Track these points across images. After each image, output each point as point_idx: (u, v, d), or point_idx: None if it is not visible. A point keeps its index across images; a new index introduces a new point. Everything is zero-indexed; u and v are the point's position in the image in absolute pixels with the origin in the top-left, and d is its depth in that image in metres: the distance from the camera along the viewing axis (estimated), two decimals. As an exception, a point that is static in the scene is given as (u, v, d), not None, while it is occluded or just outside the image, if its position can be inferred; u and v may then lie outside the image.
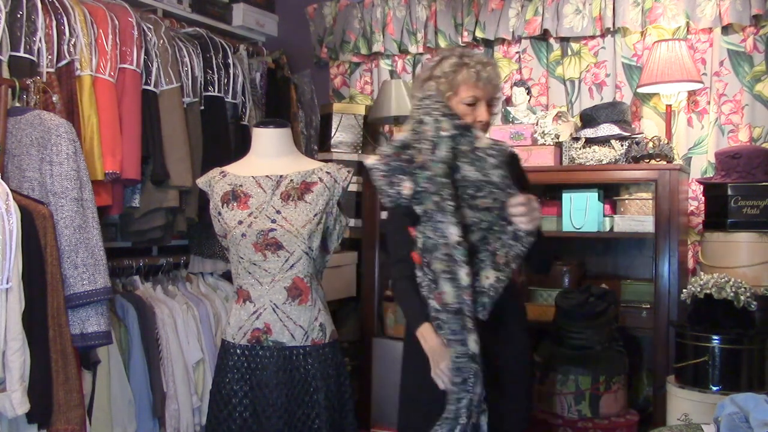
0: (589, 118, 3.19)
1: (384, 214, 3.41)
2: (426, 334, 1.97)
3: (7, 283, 1.97)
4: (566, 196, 3.09)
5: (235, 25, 3.76)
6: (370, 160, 1.95)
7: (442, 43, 3.69)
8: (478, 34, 3.59)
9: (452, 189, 1.85)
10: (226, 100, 3.18)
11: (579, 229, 3.07)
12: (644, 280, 3.18)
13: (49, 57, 2.47)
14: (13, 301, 1.99)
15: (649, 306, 3.04)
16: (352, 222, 3.49)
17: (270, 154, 2.30)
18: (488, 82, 2.03)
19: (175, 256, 3.18)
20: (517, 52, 3.58)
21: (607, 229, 3.09)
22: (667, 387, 2.60)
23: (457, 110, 1.99)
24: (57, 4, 2.52)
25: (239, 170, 2.29)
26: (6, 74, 2.36)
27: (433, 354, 1.93)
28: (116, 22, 2.67)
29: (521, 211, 1.85)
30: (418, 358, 2.02)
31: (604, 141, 3.09)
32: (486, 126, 2.06)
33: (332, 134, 3.71)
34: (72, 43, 2.52)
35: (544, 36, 3.52)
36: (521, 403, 2.11)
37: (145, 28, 2.82)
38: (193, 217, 2.96)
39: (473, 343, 1.85)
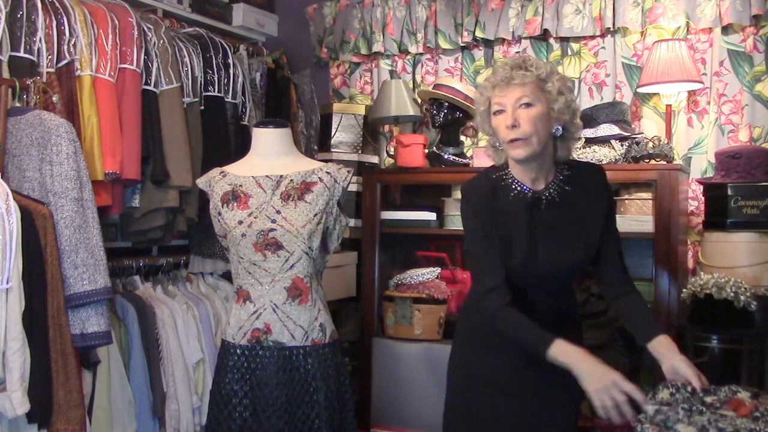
0: (589, 118, 3.18)
1: (382, 214, 3.42)
2: (572, 352, 1.77)
3: (7, 283, 1.97)
4: (566, 196, 3.09)
5: (235, 25, 3.76)
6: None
7: (442, 43, 3.69)
8: (478, 34, 3.59)
9: None
10: (226, 100, 3.18)
11: (579, 229, 3.07)
12: (644, 280, 3.17)
13: (49, 57, 2.47)
14: (13, 301, 1.99)
15: (649, 306, 3.03)
16: (352, 222, 3.49)
17: (270, 154, 2.30)
18: (509, 84, 1.83)
19: (175, 256, 3.18)
20: (517, 52, 3.58)
21: (607, 229, 3.09)
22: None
23: (494, 124, 1.90)
24: (57, 4, 2.52)
25: (239, 170, 2.30)
26: (6, 74, 2.37)
27: (593, 369, 1.74)
28: (116, 22, 2.67)
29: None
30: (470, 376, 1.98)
31: (604, 141, 3.09)
32: (526, 133, 1.83)
33: (332, 134, 3.71)
34: (72, 43, 2.52)
35: (544, 36, 3.52)
36: None
37: (145, 28, 2.82)
38: (193, 217, 2.96)
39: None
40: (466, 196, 2.02)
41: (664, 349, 1.89)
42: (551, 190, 1.93)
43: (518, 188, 1.93)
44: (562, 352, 1.78)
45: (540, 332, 1.81)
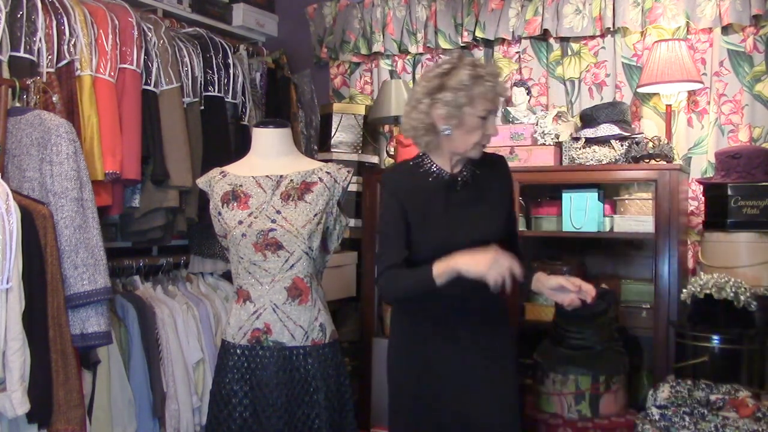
0: (589, 118, 3.19)
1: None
2: (449, 261, 1.90)
3: (7, 283, 1.97)
4: (566, 196, 3.09)
5: (235, 25, 3.77)
6: None
7: (442, 43, 3.69)
8: (478, 34, 3.59)
9: None
10: (226, 100, 3.18)
11: (579, 229, 3.07)
12: (644, 280, 3.18)
13: (49, 57, 2.47)
14: (13, 301, 1.99)
15: (649, 306, 3.04)
16: (352, 222, 3.49)
17: (270, 154, 2.30)
18: (500, 96, 2.02)
19: (175, 256, 3.18)
20: (517, 52, 3.58)
21: (607, 229, 3.09)
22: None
23: (469, 122, 1.98)
24: (57, 4, 2.52)
25: (239, 170, 2.29)
26: (6, 74, 2.37)
27: (470, 257, 1.88)
28: (116, 22, 2.67)
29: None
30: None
31: (604, 141, 3.09)
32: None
33: (332, 134, 3.71)
34: (72, 43, 2.52)
35: (544, 36, 3.52)
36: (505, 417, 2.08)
37: (145, 28, 2.82)
38: (193, 217, 2.96)
39: None
40: (386, 181, 2.15)
41: (542, 277, 2.09)
42: (465, 173, 2.10)
43: (437, 172, 2.09)
44: (442, 266, 1.92)
45: (418, 270, 1.96)
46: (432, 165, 2.10)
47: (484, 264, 1.86)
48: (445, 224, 2.04)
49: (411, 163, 2.16)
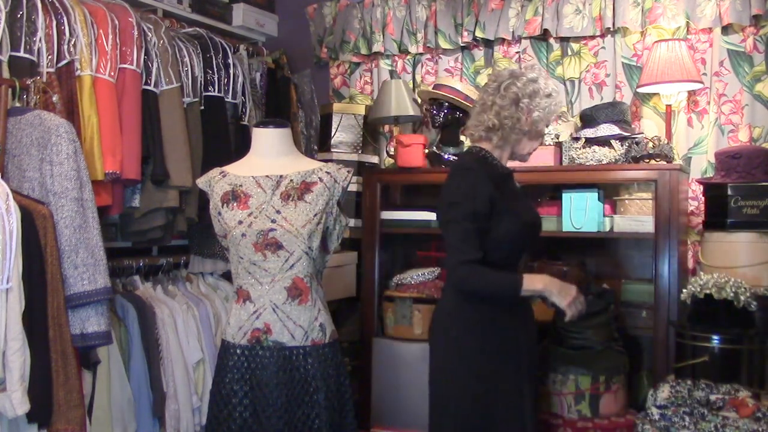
0: (589, 118, 3.19)
1: (382, 214, 3.43)
2: (540, 280, 2.17)
3: (7, 283, 1.97)
4: (566, 196, 3.09)
5: (235, 25, 3.77)
6: None
7: (442, 43, 3.68)
8: (478, 34, 3.58)
9: None
10: (226, 100, 3.18)
11: (579, 229, 3.07)
12: (644, 280, 3.18)
13: (49, 57, 2.47)
14: (13, 301, 1.99)
15: (649, 306, 3.03)
16: (352, 222, 3.49)
17: (270, 154, 2.30)
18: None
19: (175, 256, 3.18)
20: (517, 52, 3.58)
21: (607, 229, 3.09)
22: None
23: (540, 130, 2.32)
24: (57, 4, 2.52)
25: (239, 170, 2.30)
26: (6, 74, 2.37)
27: (561, 287, 2.15)
28: (116, 22, 2.67)
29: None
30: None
31: (604, 141, 3.09)
32: None
33: (332, 134, 3.71)
34: (72, 43, 2.52)
35: (544, 36, 3.52)
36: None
37: (145, 28, 2.82)
38: (193, 217, 2.96)
39: None
40: (476, 172, 2.22)
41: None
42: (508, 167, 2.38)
43: (501, 166, 2.33)
44: (531, 282, 2.15)
45: (508, 275, 2.17)
46: (494, 159, 2.31)
47: (570, 298, 2.15)
48: (521, 210, 2.29)
49: (483, 156, 2.31)
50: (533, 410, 2.30)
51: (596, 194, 3.07)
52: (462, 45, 3.66)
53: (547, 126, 2.36)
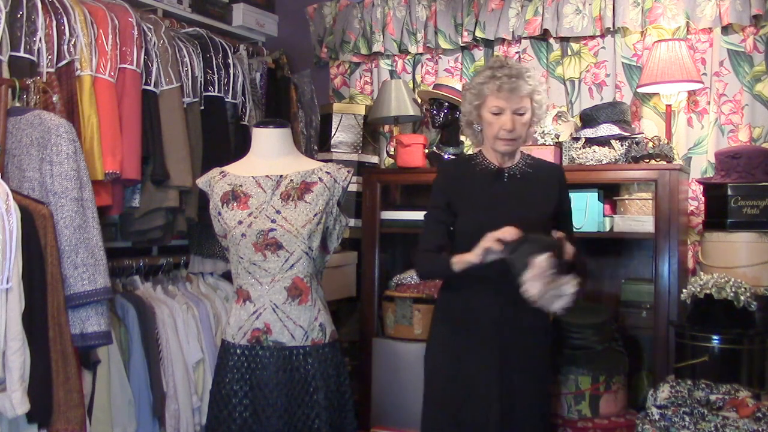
0: (589, 118, 3.19)
1: (382, 214, 3.43)
2: (464, 255, 2.15)
3: (7, 283, 1.97)
4: (566, 196, 3.09)
5: (235, 25, 3.76)
6: None
7: (442, 44, 3.68)
8: (478, 34, 3.58)
9: None
10: (226, 100, 3.18)
11: (579, 229, 3.06)
12: (644, 280, 3.18)
13: (49, 57, 2.47)
14: (13, 301, 1.99)
15: (649, 306, 3.03)
16: (352, 222, 3.49)
17: (270, 154, 2.30)
18: (512, 93, 2.19)
19: (175, 256, 3.18)
20: (517, 52, 3.58)
21: (607, 229, 3.09)
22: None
23: (486, 119, 2.24)
24: (57, 4, 2.52)
25: (239, 170, 2.30)
26: (6, 74, 2.37)
27: (482, 242, 2.10)
28: (116, 22, 2.67)
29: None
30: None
31: (604, 141, 3.09)
32: (517, 135, 2.23)
33: (332, 134, 3.71)
34: (72, 43, 2.52)
35: (544, 36, 3.52)
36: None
37: (145, 28, 2.82)
38: (193, 217, 2.96)
39: None
40: (438, 172, 2.43)
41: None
42: (514, 169, 2.33)
43: (486, 164, 2.33)
44: (458, 257, 2.18)
45: (441, 256, 2.24)
46: (483, 159, 2.34)
47: (486, 240, 2.09)
48: (488, 210, 2.26)
49: (468, 156, 2.43)
50: (528, 407, 2.26)
51: (596, 194, 3.07)
52: (462, 45, 3.66)
53: (498, 109, 2.21)
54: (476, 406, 2.22)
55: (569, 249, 2.17)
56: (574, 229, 3.04)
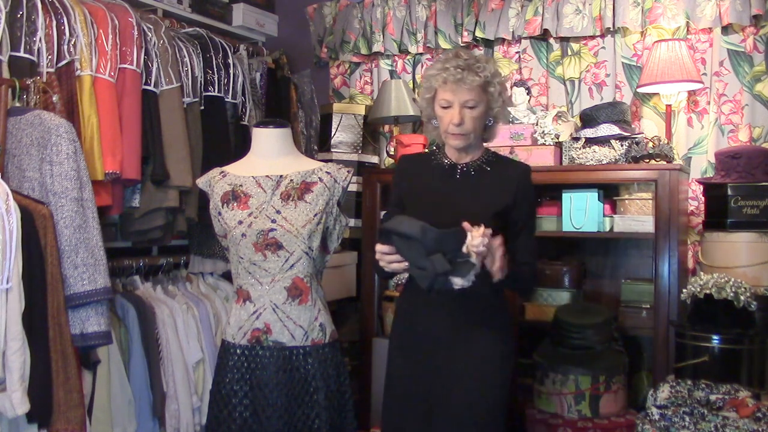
0: (589, 118, 3.19)
1: (382, 214, 3.42)
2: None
3: (7, 283, 1.97)
4: (566, 196, 3.09)
5: (235, 25, 3.77)
6: None
7: (442, 43, 3.69)
8: (478, 34, 3.59)
9: None
10: (226, 100, 3.18)
11: (579, 229, 3.07)
12: (644, 280, 3.18)
13: (49, 57, 2.47)
14: (13, 301, 1.99)
15: (649, 306, 3.04)
16: (352, 222, 3.49)
17: (270, 154, 2.30)
18: (458, 85, 2.04)
19: (175, 256, 3.18)
20: (517, 52, 3.59)
21: (607, 229, 3.09)
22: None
23: (437, 113, 2.13)
24: (57, 4, 2.52)
25: (239, 170, 2.30)
26: (6, 74, 2.37)
27: None
28: (116, 22, 2.67)
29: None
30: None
31: (604, 141, 3.09)
32: (466, 130, 2.08)
33: (332, 134, 3.71)
34: (72, 43, 2.52)
35: (544, 36, 3.52)
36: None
37: (145, 28, 2.82)
38: (193, 217, 2.96)
39: None
40: (396, 166, 2.40)
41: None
42: (471, 166, 2.18)
43: (440, 160, 2.22)
44: None
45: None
46: (439, 154, 2.23)
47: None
48: (433, 206, 2.13)
49: (430, 152, 2.34)
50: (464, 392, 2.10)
51: (596, 194, 3.07)
52: (462, 45, 3.66)
53: (446, 102, 2.08)
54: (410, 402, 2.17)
55: (475, 242, 1.86)
56: (575, 229, 3.07)
